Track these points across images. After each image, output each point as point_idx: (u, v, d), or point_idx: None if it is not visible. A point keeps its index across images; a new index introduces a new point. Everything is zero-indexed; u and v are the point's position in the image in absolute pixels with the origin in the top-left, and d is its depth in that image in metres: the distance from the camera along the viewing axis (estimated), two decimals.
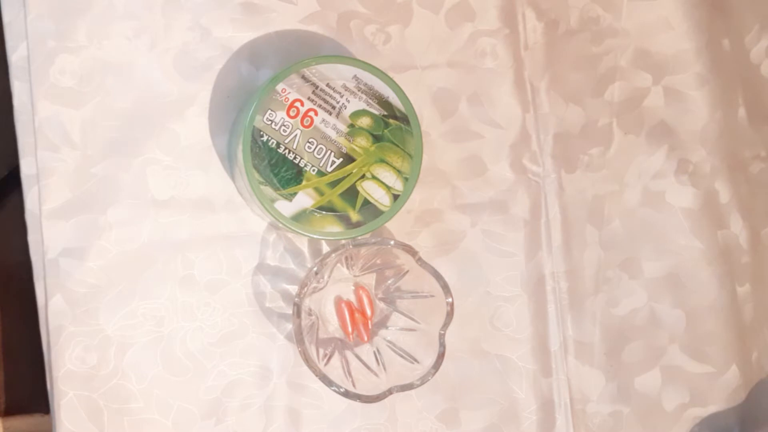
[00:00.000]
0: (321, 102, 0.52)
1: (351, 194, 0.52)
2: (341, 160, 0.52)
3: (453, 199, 0.61)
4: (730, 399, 0.63)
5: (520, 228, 0.62)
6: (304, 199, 0.51)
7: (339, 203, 0.52)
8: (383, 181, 0.52)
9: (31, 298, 0.57)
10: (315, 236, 0.52)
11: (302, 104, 0.51)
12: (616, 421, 0.62)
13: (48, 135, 0.57)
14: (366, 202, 0.52)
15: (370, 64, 0.52)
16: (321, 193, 0.51)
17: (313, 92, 0.52)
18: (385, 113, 0.52)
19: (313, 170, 0.51)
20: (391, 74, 0.53)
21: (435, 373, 0.53)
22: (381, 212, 0.52)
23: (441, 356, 0.54)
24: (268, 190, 0.51)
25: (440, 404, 0.61)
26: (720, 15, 0.64)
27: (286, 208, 0.51)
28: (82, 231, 0.57)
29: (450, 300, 0.54)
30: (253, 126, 0.51)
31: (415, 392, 0.60)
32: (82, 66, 0.57)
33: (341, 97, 0.52)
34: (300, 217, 0.51)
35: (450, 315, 0.54)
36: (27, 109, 0.57)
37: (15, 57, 0.58)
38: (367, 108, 0.52)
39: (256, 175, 0.51)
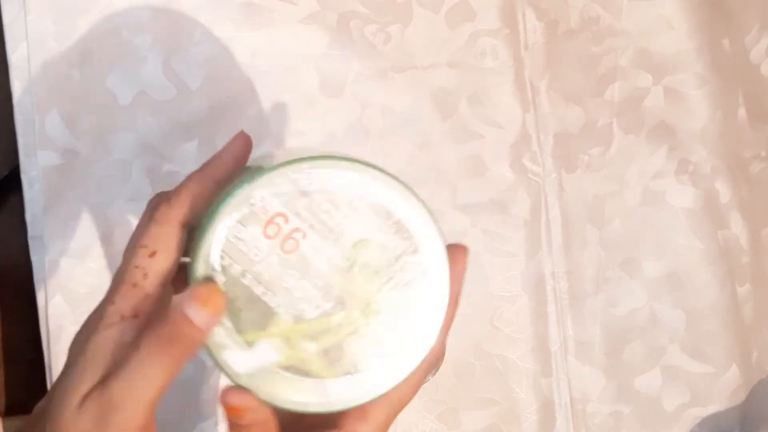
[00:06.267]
0: (314, 221, 0.36)
1: (334, 354, 0.37)
2: (330, 304, 0.37)
3: (453, 199, 0.61)
4: (731, 399, 0.63)
5: (520, 228, 0.62)
6: (268, 351, 0.37)
7: (315, 364, 0.37)
8: (382, 342, 0.38)
9: (31, 298, 0.57)
10: (276, 404, 0.37)
11: (286, 220, 0.36)
12: (616, 421, 0.62)
13: (48, 135, 0.57)
14: (352, 370, 0.37)
15: (391, 174, 0.37)
16: (292, 347, 0.37)
17: (305, 206, 0.36)
18: (402, 247, 0.38)
19: (288, 314, 0.37)
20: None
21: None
22: (371, 387, 0.38)
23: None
24: (219, 332, 0.36)
25: (440, 404, 0.61)
26: (720, 15, 0.64)
27: (240, 359, 0.36)
28: (83, 231, 0.57)
29: None
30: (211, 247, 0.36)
31: None
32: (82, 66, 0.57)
33: (344, 216, 0.37)
34: (258, 376, 0.37)
35: None
36: (27, 109, 0.57)
37: (15, 57, 0.58)
38: (378, 235, 0.37)
39: None
